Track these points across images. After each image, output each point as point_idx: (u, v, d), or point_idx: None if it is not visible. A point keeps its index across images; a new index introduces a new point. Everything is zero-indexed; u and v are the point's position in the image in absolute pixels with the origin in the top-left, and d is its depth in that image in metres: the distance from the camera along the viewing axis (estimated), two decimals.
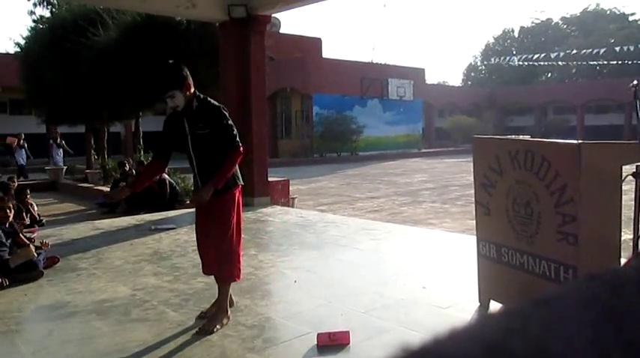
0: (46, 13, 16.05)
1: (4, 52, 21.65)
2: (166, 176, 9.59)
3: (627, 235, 3.63)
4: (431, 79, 63.77)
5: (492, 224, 3.36)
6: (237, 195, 3.47)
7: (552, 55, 36.44)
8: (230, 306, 3.49)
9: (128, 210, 9.07)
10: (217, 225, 3.40)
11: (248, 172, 8.28)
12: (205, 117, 3.30)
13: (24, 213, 7.49)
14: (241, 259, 3.57)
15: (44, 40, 13.35)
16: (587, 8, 53.65)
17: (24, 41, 15.82)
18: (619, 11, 51.40)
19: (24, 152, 16.29)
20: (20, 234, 4.99)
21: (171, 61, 3.44)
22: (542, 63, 41.26)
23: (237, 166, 3.43)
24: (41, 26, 15.43)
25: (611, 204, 2.85)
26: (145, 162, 10.67)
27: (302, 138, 27.49)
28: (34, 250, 4.74)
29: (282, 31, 12.30)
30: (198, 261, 4.22)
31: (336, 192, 12.99)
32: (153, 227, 6.92)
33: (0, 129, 22.29)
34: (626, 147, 3.21)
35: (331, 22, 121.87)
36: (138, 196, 9.28)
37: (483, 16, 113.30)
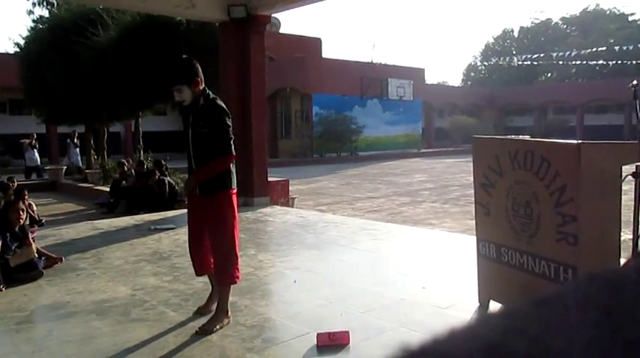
0: (45, 13, 16.07)
1: (3, 52, 21.64)
2: (166, 176, 9.60)
3: (627, 235, 3.62)
4: (431, 78, 63.84)
5: (492, 224, 3.36)
6: (232, 197, 3.43)
7: (552, 55, 36.45)
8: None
9: (127, 210, 9.07)
10: (215, 226, 3.39)
11: (248, 172, 8.30)
12: (207, 117, 3.31)
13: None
14: (239, 261, 3.57)
15: (44, 40, 13.35)
16: (587, 8, 53.66)
17: (23, 41, 15.84)
18: (619, 11, 51.42)
19: (35, 152, 16.28)
20: (29, 237, 4.92)
21: (184, 56, 3.50)
22: (541, 62, 41.30)
23: (233, 170, 3.42)
24: (41, 26, 15.45)
25: (611, 204, 2.85)
26: (145, 162, 10.69)
27: (302, 138, 27.49)
28: (35, 251, 4.73)
29: (282, 31, 12.30)
30: None
31: (336, 192, 12.99)
32: (152, 227, 6.92)
33: (0, 129, 22.32)
34: (625, 147, 3.21)
35: (331, 22, 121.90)
36: (137, 196, 9.33)
37: (483, 16, 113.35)
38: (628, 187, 3.01)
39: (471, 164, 3.58)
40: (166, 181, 9.27)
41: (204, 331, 3.21)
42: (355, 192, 12.77)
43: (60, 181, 14.75)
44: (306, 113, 27.75)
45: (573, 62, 41.68)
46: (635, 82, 3.20)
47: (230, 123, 3.36)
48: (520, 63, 44.43)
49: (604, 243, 2.88)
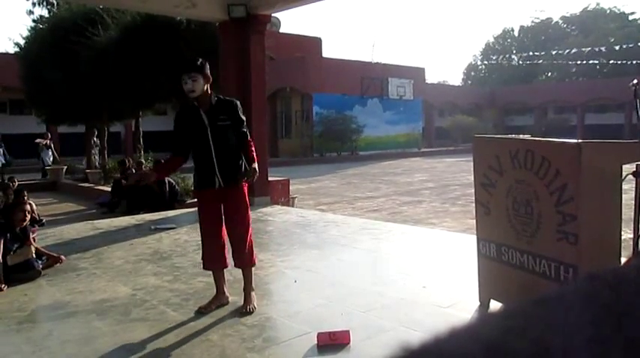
0: (45, 13, 16.06)
1: (3, 52, 21.63)
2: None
3: (627, 234, 3.62)
4: (431, 78, 63.62)
5: (492, 223, 3.36)
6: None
7: (553, 54, 36.42)
8: (225, 304, 3.67)
9: (128, 210, 9.07)
10: (241, 215, 3.63)
11: None
12: (227, 110, 3.53)
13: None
14: None
15: (44, 40, 13.34)
16: (587, 7, 53.63)
17: (24, 41, 15.83)
18: (619, 10, 51.39)
19: (50, 152, 16.26)
20: (30, 238, 4.91)
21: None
22: (542, 62, 41.26)
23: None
24: (41, 26, 15.44)
25: (612, 204, 2.85)
26: (145, 163, 10.69)
27: (302, 137, 27.47)
28: (33, 251, 4.73)
29: (282, 30, 12.29)
30: (199, 260, 4.20)
31: (337, 191, 12.99)
32: (153, 227, 6.92)
33: (0, 129, 22.31)
34: (626, 147, 3.20)
35: (331, 21, 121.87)
36: (138, 196, 9.33)
37: (483, 15, 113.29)
38: (628, 186, 3.01)
39: (471, 163, 3.58)
40: (167, 181, 9.27)
41: (247, 312, 3.49)
42: (355, 192, 12.77)
43: (60, 181, 14.75)
44: (306, 113, 27.73)
45: (573, 61, 41.68)
46: (635, 81, 3.20)
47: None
48: (520, 62, 44.41)
49: (604, 242, 2.88)
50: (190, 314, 3.56)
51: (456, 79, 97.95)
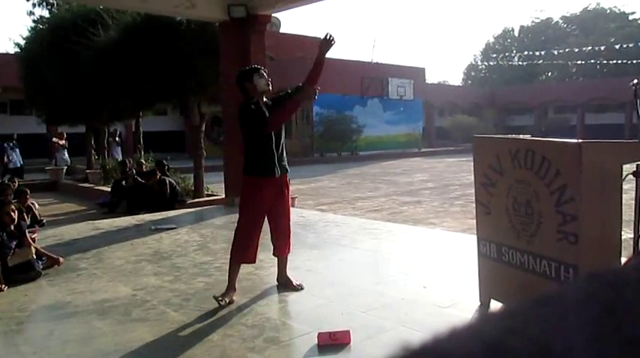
0: (46, 14, 16.07)
1: (4, 52, 21.64)
2: (167, 176, 9.60)
3: (627, 234, 3.62)
4: (431, 78, 63.65)
5: (493, 223, 3.36)
6: None
7: (553, 54, 36.41)
8: (230, 303, 3.68)
9: (128, 210, 9.07)
10: (288, 203, 3.97)
11: None
12: (280, 104, 3.94)
13: (25, 214, 7.48)
14: None
15: (44, 40, 13.34)
16: (588, 7, 53.58)
17: (24, 41, 15.83)
18: (619, 10, 51.33)
19: (66, 153, 16.26)
20: (27, 236, 4.92)
21: None
22: (542, 62, 41.25)
23: None
24: (41, 26, 15.44)
25: (612, 203, 2.85)
26: (145, 163, 10.69)
27: (302, 137, 27.46)
28: (34, 252, 4.73)
29: (282, 30, 12.28)
30: (199, 260, 4.24)
31: (337, 191, 12.99)
32: (153, 227, 6.92)
33: (0, 129, 22.30)
34: (626, 146, 3.21)
35: (331, 21, 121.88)
36: (138, 196, 9.33)
37: (483, 15, 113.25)
38: (628, 186, 3.01)
39: (472, 163, 3.58)
40: (167, 181, 9.27)
41: (295, 289, 3.94)
42: (356, 192, 12.77)
43: (61, 181, 14.76)
44: (306, 113, 27.72)
45: (574, 61, 41.68)
46: (635, 81, 3.20)
47: None
48: (520, 62, 44.38)
49: (604, 242, 2.88)
50: (191, 314, 3.56)
51: (456, 79, 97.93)
